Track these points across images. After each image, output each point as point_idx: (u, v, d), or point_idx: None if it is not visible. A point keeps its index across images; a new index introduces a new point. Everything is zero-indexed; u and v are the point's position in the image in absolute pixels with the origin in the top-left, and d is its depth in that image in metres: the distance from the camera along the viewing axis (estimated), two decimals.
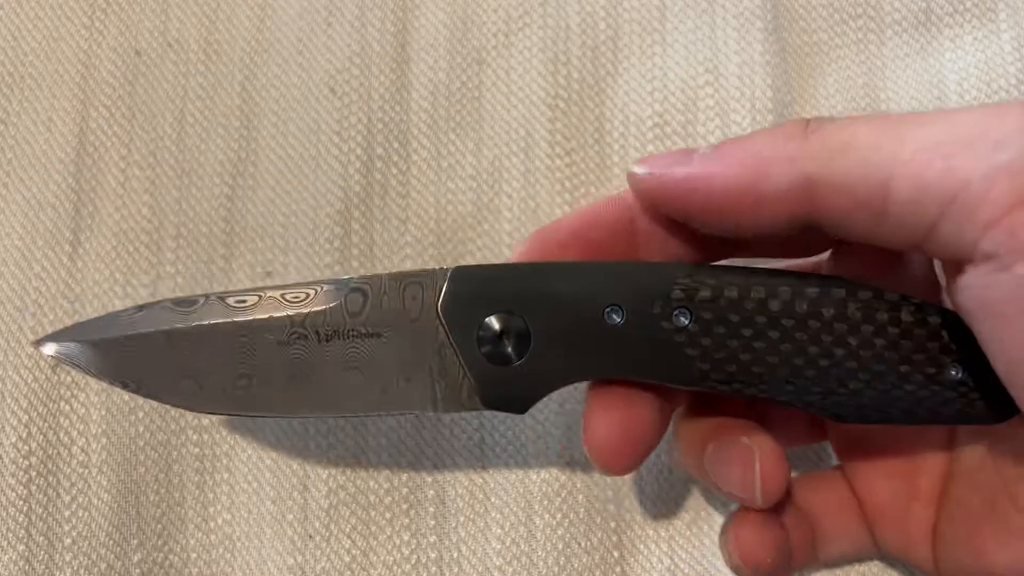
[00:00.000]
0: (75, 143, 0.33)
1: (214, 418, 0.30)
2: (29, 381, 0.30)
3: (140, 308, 0.24)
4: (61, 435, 0.30)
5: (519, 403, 0.23)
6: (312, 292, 0.23)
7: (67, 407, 0.30)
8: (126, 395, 0.30)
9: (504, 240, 0.32)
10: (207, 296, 0.24)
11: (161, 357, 0.23)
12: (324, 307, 0.23)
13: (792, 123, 0.20)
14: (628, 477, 0.30)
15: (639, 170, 0.22)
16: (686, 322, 0.21)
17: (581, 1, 0.34)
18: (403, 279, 0.23)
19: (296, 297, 0.23)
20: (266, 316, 0.23)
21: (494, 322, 0.22)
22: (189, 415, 0.30)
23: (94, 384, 0.30)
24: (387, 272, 0.23)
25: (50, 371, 0.30)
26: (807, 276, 0.22)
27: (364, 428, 0.30)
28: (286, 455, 0.30)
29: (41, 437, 0.30)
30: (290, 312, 0.23)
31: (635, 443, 0.23)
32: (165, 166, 0.32)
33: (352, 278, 0.23)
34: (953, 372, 0.21)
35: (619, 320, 0.22)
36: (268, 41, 0.34)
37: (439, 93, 0.33)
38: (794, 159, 0.19)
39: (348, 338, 0.23)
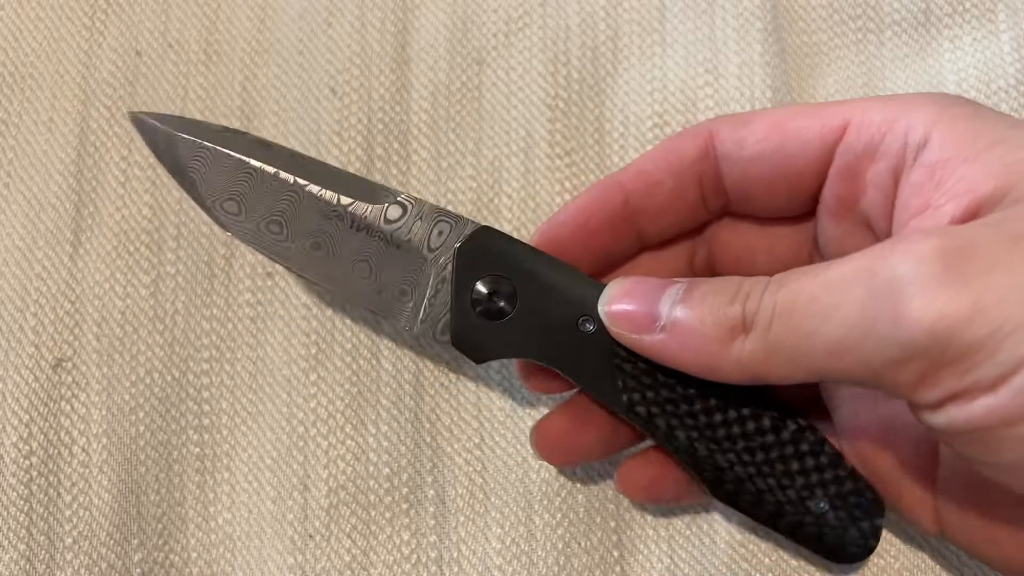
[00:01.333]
0: (76, 143, 0.33)
1: (215, 418, 0.30)
2: (30, 381, 0.30)
3: (228, 130, 0.27)
4: (62, 435, 0.30)
5: (479, 353, 0.26)
6: (367, 189, 0.26)
7: (68, 407, 0.30)
8: (127, 395, 0.30)
9: None
10: (282, 148, 0.27)
11: (223, 174, 0.26)
12: (367, 204, 0.26)
13: (734, 314, 0.22)
14: None
15: (603, 318, 0.24)
16: (638, 359, 0.24)
17: (581, 2, 0.34)
18: (439, 214, 0.26)
19: (350, 187, 0.26)
20: (318, 190, 0.26)
21: (491, 282, 0.25)
22: (190, 415, 0.30)
23: (95, 384, 0.30)
24: (432, 202, 0.27)
25: (51, 371, 0.31)
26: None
27: (364, 428, 0.30)
28: (286, 455, 0.30)
29: (42, 437, 0.30)
30: (341, 196, 0.26)
31: (576, 452, 0.27)
32: None
33: (402, 193, 0.26)
34: (821, 505, 0.25)
35: (588, 329, 0.25)
36: (268, 42, 0.34)
37: (439, 93, 0.33)
38: (738, 361, 0.22)
39: (374, 236, 0.26)
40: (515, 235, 0.32)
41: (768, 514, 0.25)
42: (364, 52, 0.34)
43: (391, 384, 0.31)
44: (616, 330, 0.24)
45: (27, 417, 0.30)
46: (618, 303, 0.24)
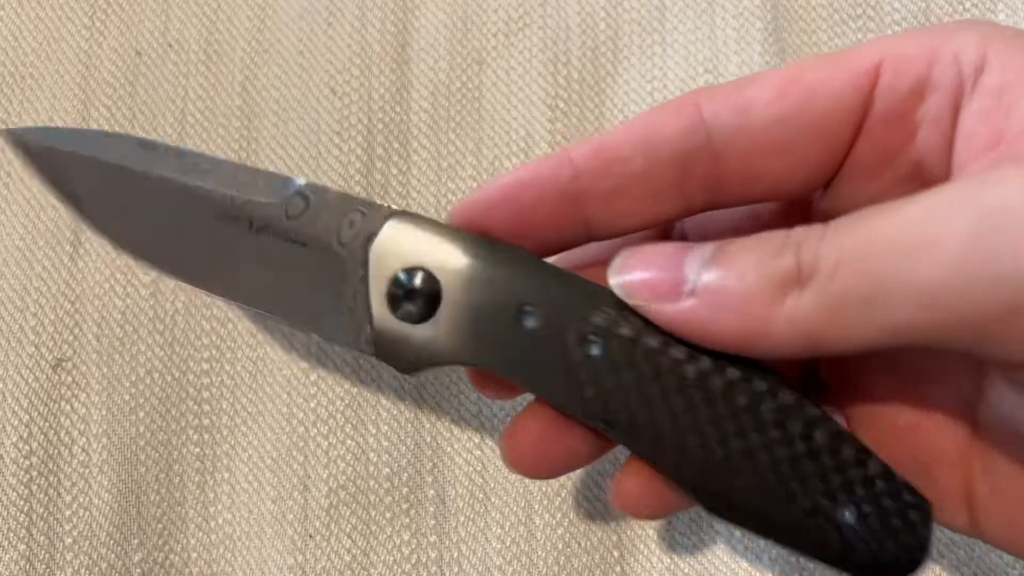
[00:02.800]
0: None
1: (215, 418, 0.30)
2: (30, 381, 0.30)
3: (108, 135, 0.24)
4: (62, 435, 0.30)
5: (407, 363, 0.21)
6: (262, 181, 0.23)
7: (68, 407, 0.30)
8: (127, 395, 0.30)
9: None
10: (167, 147, 0.24)
11: (105, 186, 0.23)
12: (266, 200, 0.22)
13: (785, 265, 0.18)
14: None
15: (616, 287, 0.20)
16: (596, 352, 0.20)
17: (581, 1, 0.34)
18: (348, 203, 0.22)
19: (246, 180, 0.23)
20: (210, 188, 0.23)
21: (411, 277, 0.21)
22: (190, 416, 0.30)
23: (95, 384, 0.30)
24: (339, 190, 0.23)
25: (51, 371, 0.30)
26: (736, 357, 0.20)
27: (364, 428, 0.30)
28: (286, 455, 0.30)
29: (42, 437, 0.30)
30: (234, 192, 0.23)
31: (551, 465, 0.22)
32: None
33: (305, 182, 0.23)
34: (847, 514, 0.19)
35: (530, 324, 0.20)
36: (269, 41, 0.34)
37: (439, 93, 0.33)
38: (791, 320, 0.18)
39: (277, 237, 0.22)
40: None
41: (778, 531, 0.20)
42: (364, 52, 0.34)
43: (391, 384, 0.31)
44: (632, 302, 0.20)
45: (27, 417, 0.30)
46: (634, 272, 0.20)
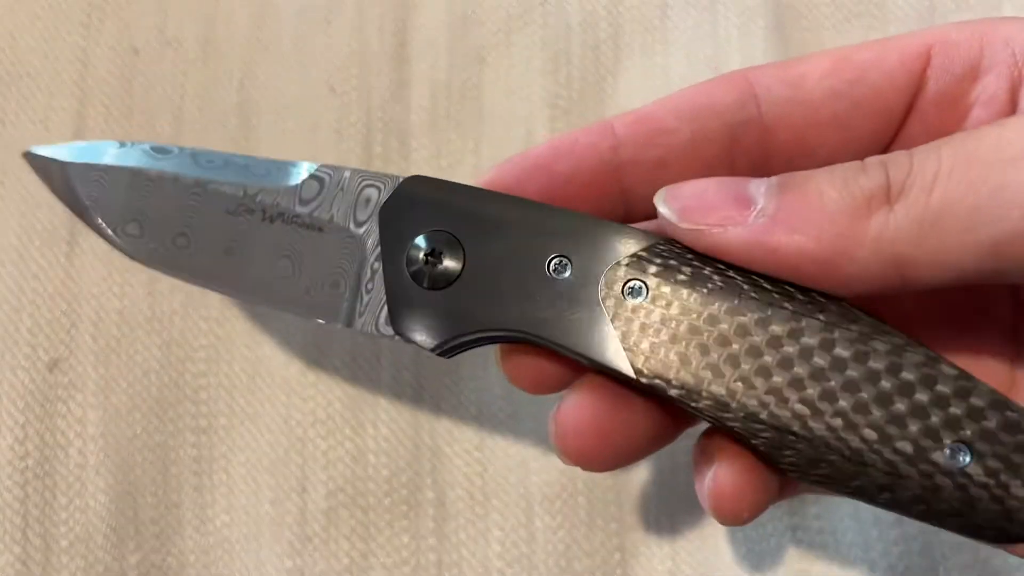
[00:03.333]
0: (72, 141, 0.32)
1: (212, 420, 0.30)
2: (26, 382, 0.30)
3: (122, 145, 0.24)
4: (58, 436, 0.30)
5: (430, 334, 0.20)
6: (275, 168, 0.22)
7: (64, 408, 0.30)
8: (123, 396, 0.30)
9: None
10: (182, 149, 0.24)
11: (119, 193, 0.23)
12: (278, 186, 0.22)
13: (873, 181, 0.17)
14: (629, 478, 0.29)
15: (669, 212, 0.18)
16: (639, 300, 0.18)
17: None
18: (364, 178, 0.21)
19: (258, 172, 0.22)
20: (221, 184, 0.22)
21: (429, 238, 0.20)
22: (187, 417, 0.30)
23: (91, 385, 0.30)
24: (354, 168, 0.22)
25: (47, 372, 0.30)
26: (792, 290, 0.18)
27: (363, 430, 0.30)
28: (284, 457, 0.30)
29: (38, 438, 0.30)
30: (247, 186, 0.22)
31: (612, 446, 0.20)
32: None
33: (319, 165, 0.22)
34: (960, 456, 0.17)
35: (564, 275, 0.19)
36: (267, 39, 0.34)
37: (439, 92, 0.33)
38: (879, 239, 0.16)
39: (291, 224, 0.22)
40: None
41: (878, 487, 0.17)
42: (363, 49, 0.33)
43: (390, 385, 0.30)
44: (689, 226, 0.18)
45: (23, 418, 0.30)
46: (689, 195, 0.18)
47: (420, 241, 0.20)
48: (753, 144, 0.21)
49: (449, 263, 0.19)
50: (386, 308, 0.20)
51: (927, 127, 0.20)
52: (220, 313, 0.31)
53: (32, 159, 0.25)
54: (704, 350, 0.18)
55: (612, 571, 0.29)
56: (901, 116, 0.20)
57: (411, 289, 0.20)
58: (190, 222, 0.23)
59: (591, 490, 0.29)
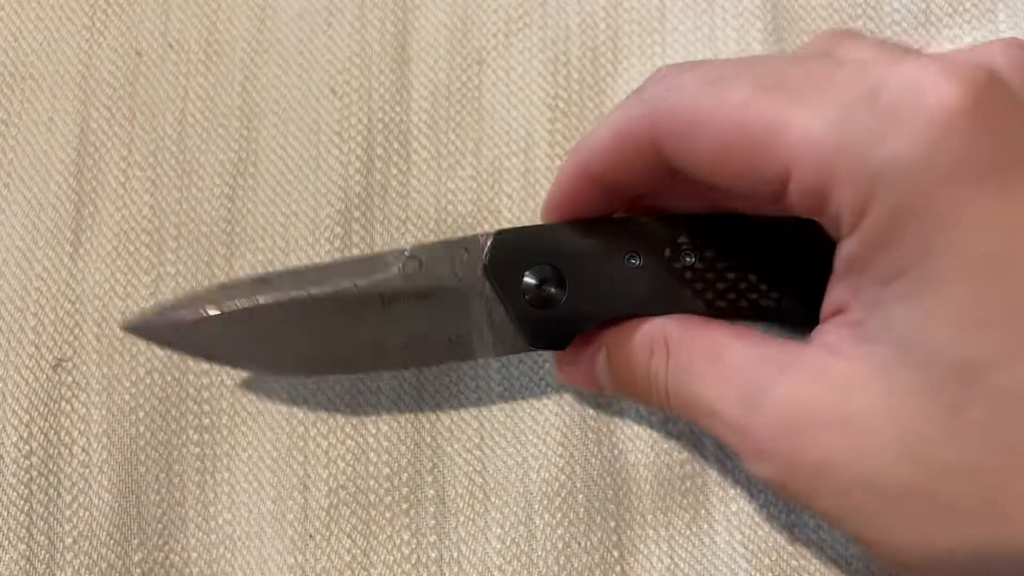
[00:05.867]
0: (76, 144, 0.33)
1: (215, 418, 0.30)
2: (30, 381, 0.30)
3: (223, 287, 0.26)
4: (62, 435, 0.30)
5: (560, 340, 0.26)
6: (372, 263, 0.26)
7: (68, 407, 0.30)
8: (127, 395, 0.30)
9: None
10: (280, 273, 0.27)
11: (243, 331, 0.26)
12: (384, 275, 0.26)
13: None
14: (628, 477, 0.30)
15: None
16: (691, 261, 0.25)
17: (581, 2, 0.34)
18: (451, 245, 0.26)
19: (360, 268, 0.26)
20: (334, 289, 0.26)
21: (534, 273, 0.25)
22: (190, 415, 0.30)
23: (95, 384, 0.30)
24: (437, 240, 0.27)
25: (51, 371, 0.31)
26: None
27: (364, 428, 0.30)
28: (286, 455, 0.30)
29: (42, 437, 0.30)
30: (357, 282, 0.26)
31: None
32: (166, 166, 0.32)
33: (405, 248, 0.26)
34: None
35: (636, 263, 0.25)
36: (269, 42, 0.34)
37: (439, 93, 0.33)
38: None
39: (408, 300, 0.26)
40: None
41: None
42: (364, 52, 0.34)
43: (391, 384, 0.31)
44: None
45: (27, 417, 0.30)
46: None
47: (528, 277, 0.25)
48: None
49: (555, 288, 0.25)
50: (511, 331, 0.26)
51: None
52: None
53: (138, 330, 0.27)
54: (741, 278, 0.25)
55: (611, 568, 0.29)
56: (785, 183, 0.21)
57: (532, 313, 0.25)
58: (318, 330, 0.26)
59: (590, 488, 0.30)
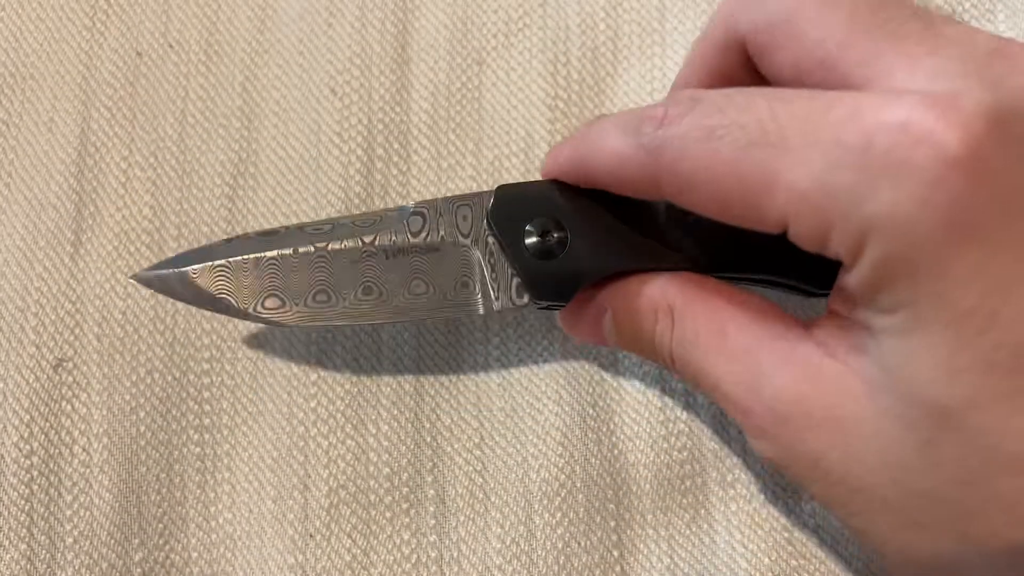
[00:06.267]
0: (77, 144, 0.33)
1: (215, 418, 0.30)
2: (31, 381, 0.30)
3: (229, 240, 0.27)
4: (63, 435, 0.30)
5: (563, 293, 0.26)
6: (377, 218, 0.27)
7: (69, 407, 0.30)
8: (128, 395, 0.30)
9: None
10: (287, 227, 0.27)
11: (250, 280, 0.27)
12: (389, 229, 0.27)
13: None
14: (628, 476, 0.30)
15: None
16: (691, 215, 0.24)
17: (581, 2, 0.34)
18: (455, 201, 0.27)
19: (364, 222, 0.27)
20: (340, 243, 0.27)
21: (536, 225, 0.26)
22: (191, 415, 0.30)
23: (95, 384, 0.30)
24: (444, 196, 0.28)
25: (52, 371, 0.31)
26: None
27: (364, 428, 0.30)
28: (287, 455, 0.30)
29: (43, 437, 0.30)
30: (362, 236, 0.27)
31: None
32: (166, 167, 0.33)
33: (411, 204, 0.27)
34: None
35: (638, 217, 0.25)
36: (269, 42, 0.34)
37: (439, 94, 0.33)
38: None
39: (411, 254, 0.27)
40: None
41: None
42: (364, 52, 0.34)
43: (391, 384, 0.31)
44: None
45: (28, 417, 0.30)
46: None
47: (531, 227, 0.26)
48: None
49: (557, 236, 0.25)
50: (515, 286, 0.26)
51: None
52: None
53: (144, 280, 0.27)
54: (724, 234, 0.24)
55: (610, 568, 0.29)
56: None
57: (535, 264, 0.26)
58: (324, 280, 0.27)
59: (590, 488, 0.30)
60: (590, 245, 0.25)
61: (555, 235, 0.25)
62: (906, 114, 0.18)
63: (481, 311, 0.27)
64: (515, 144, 0.33)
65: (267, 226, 0.32)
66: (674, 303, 0.24)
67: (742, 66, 0.24)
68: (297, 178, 0.32)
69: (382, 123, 0.33)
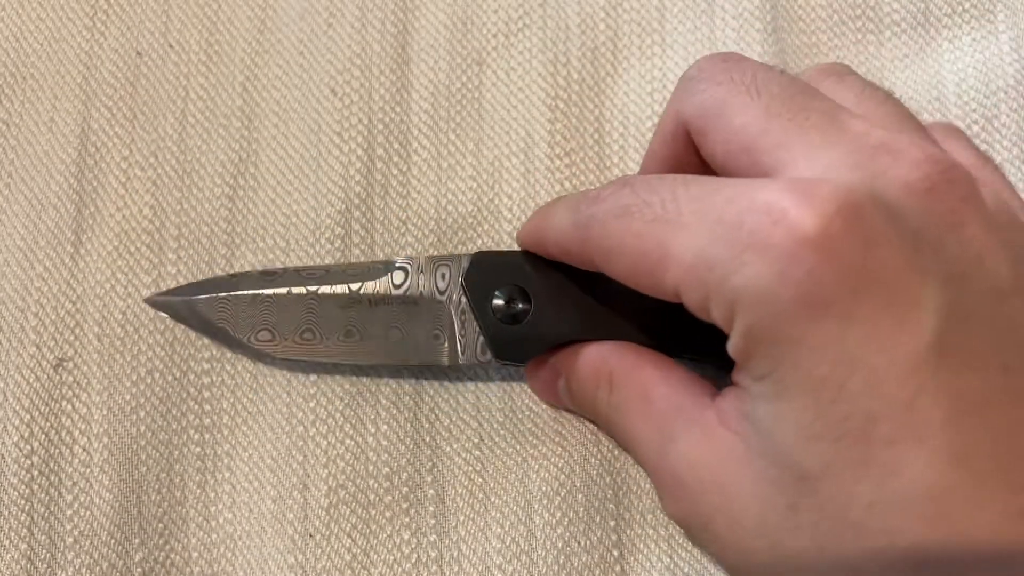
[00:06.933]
0: (77, 144, 0.33)
1: (215, 418, 0.30)
2: (31, 381, 0.30)
3: (233, 276, 0.30)
4: (63, 434, 0.30)
5: (522, 355, 0.28)
6: (366, 269, 0.29)
7: (69, 407, 0.30)
8: (128, 395, 0.30)
9: (504, 240, 0.32)
10: (285, 269, 0.30)
11: (247, 314, 0.29)
12: (374, 281, 0.29)
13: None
14: (628, 475, 0.30)
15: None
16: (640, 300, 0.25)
17: (580, 2, 0.34)
18: (436, 261, 0.29)
19: (354, 271, 0.29)
20: (330, 289, 0.29)
21: (504, 292, 0.28)
22: (191, 415, 0.30)
23: (96, 384, 0.30)
24: (425, 255, 0.30)
25: (52, 371, 0.31)
26: None
27: (363, 428, 0.30)
28: (286, 455, 0.30)
29: (43, 436, 0.30)
30: (350, 284, 0.29)
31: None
32: (167, 167, 0.33)
33: (396, 260, 0.29)
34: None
35: (594, 295, 0.27)
36: (269, 42, 0.34)
37: (439, 94, 0.33)
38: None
39: (391, 304, 0.29)
40: (515, 235, 0.32)
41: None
42: (364, 52, 0.34)
43: (390, 384, 0.31)
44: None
45: (28, 417, 0.30)
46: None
47: (500, 293, 0.28)
48: None
49: (522, 304, 0.28)
50: (480, 343, 0.29)
51: None
52: None
53: (153, 303, 0.31)
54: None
55: (610, 567, 0.29)
56: None
57: (500, 327, 0.28)
58: (312, 320, 0.29)
59: (589, 487, 0.30)
60: (551, 314, 0.28)
61: (519, 304, 0.28)
62: (770, 197, 0.20)
63: (447, 363, 0.29)
64: (515, 144, 0.33)
65: (267, 226, 0.32)
66: (613, 371, 0.26)
67: (693, 153, 0.25)
68: (297, 178, 0.32)
69: (382, 123, 0.33)
